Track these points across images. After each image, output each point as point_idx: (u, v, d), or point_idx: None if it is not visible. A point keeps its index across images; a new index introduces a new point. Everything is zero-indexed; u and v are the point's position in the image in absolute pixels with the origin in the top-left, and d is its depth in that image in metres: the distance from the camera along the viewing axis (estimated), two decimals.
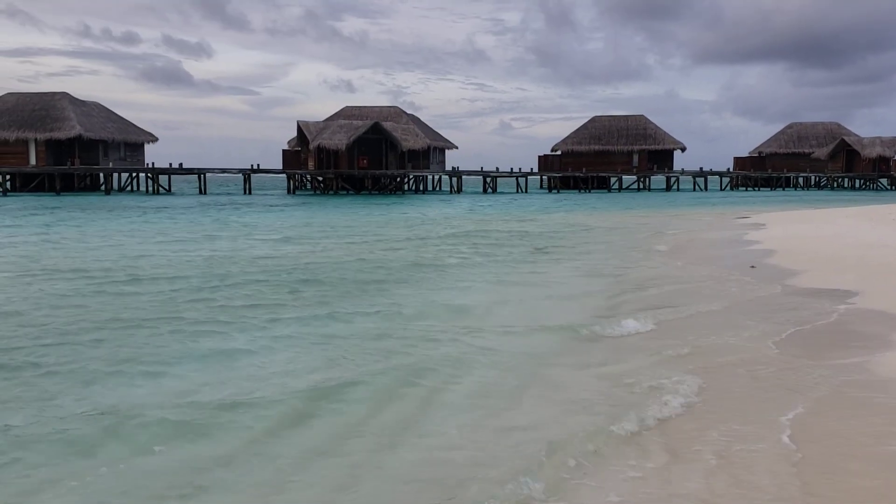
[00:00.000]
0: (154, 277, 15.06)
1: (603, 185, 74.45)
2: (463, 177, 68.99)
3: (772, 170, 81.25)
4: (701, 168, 75.74)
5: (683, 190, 74.58)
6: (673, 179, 75.60)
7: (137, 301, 12.40)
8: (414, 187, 66.48)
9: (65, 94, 62.61)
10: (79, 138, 58.86)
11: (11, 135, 58.93)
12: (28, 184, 58.08)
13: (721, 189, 77.64)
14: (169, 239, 23.90)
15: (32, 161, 59.24)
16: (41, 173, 57.77)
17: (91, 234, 25.07)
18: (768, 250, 19.20)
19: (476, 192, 67.61)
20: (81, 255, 18.97)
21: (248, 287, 13.91)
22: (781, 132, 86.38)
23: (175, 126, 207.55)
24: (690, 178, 75.85)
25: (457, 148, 72.90)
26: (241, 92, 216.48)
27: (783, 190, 77.48)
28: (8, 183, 59.06)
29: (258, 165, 61.10)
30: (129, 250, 20.30)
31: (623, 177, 74.37)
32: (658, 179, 77.43)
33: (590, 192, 70.16)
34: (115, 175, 63.07)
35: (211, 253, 19.82)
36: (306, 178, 64.70)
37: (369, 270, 16.36)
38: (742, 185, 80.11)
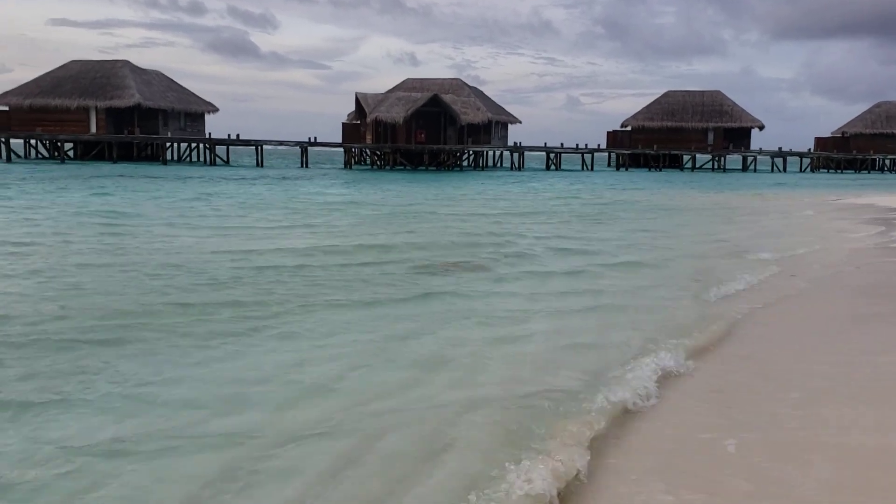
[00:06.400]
0: None
1: (675, 163, 70.88)
2: (526, 153, 66.47)
3: (857, 151, 76.15)
4: (780, 148, 71.42)
5: (760, 171, 70.42)
6: (750, 159, 71.39)
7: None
8: (473, 163, 64.22)
9: (126, 63, 62.22)
10: (138, 107, 58.37)
11: (73, 102, 58.78)
12: (89, 151, 58.13)
13: (801, 170, 73.38)
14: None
15: (93, 129, 59.08)
16: (100, 141, 57.60)
17: None
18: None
19: (538, 169, 65.03)
20: None
21: None
22: (868, 111, 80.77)
23: (245, 98, 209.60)
24: (769, 158, 71.61)
25: (520, 122, 70.16)
26: (312, 66, 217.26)
27: (868, 172, 72.59)
28: (70, 151, 59.44)
29: (315, 138, 59.74)
30: None
31: (697, 155, 70.55)
32: (734, 159, 73.29)
33: (660, 170, 66.78)
34: (175, 145, 62.55)
35: None
36: (365, 152, 63.10)
37: None
38: (823, 167, 75.40)
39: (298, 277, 12.24)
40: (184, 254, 14.42)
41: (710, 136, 70.74)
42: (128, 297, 10.42)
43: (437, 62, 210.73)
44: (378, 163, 59.91)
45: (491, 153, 68.50)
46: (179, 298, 10.44)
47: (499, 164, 70.56)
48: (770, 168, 71.86)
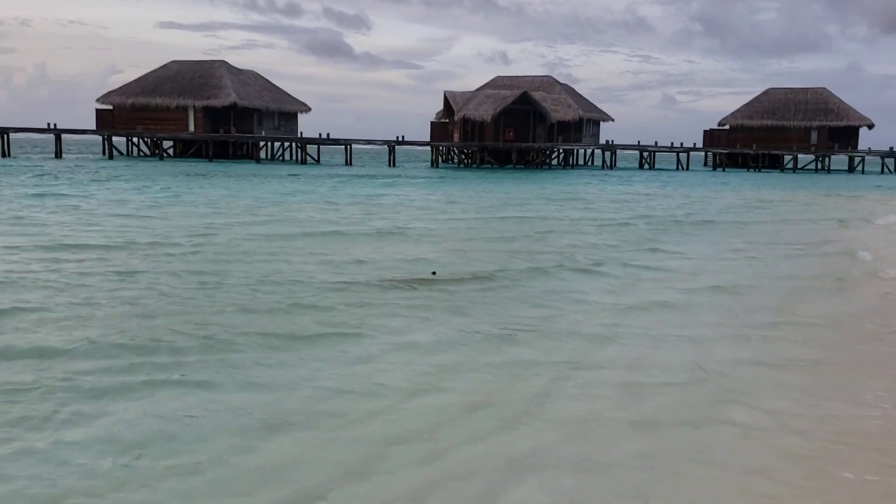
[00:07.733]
0: None
1: (775, 163, 67.77)
2: (618, 151, 64.90)
3: None
4: (891, 148, 67.17)
5: (869, 172, 66.48)
6: (857, 160, 67.49)
7: None
8: (562, 161, 62.95)
9: (223, 63, 63.80)
10: (233, 106, 59.73)
11: (172, 101, 60.63)
12: (187, 150, 59.91)
13: None
14: None
15: (191, 128, 60.78)
16: (197, 140, 59.22)
17: None
18: None
19: (631, 168, 63.31)
20: None
21: None
22: None
23: (339, 98, 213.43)
24: (878, 158, 67.49)
25: (612, 120, 68.43)
26: (405, 66, 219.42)
27: None
28: (170, 149, 61.43)
29: (402, 137, 59.76)
30: None
31: (799, 155, 67.17)
32: (839, 159, 69.46)
33: (759, 170, 63.97)
34: (269, 144, 63.75)
35: None
36: (452, 150, 62.81)
37: None
38: None
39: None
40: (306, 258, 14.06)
41: (814, 136, 67.26)
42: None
43: (528, 61, 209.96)
44: (465, 161, 59.47)
45: (581, 151, 67.14)
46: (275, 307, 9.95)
47: (590, 163, 69.10)
48: (880, 169, 67.80)
